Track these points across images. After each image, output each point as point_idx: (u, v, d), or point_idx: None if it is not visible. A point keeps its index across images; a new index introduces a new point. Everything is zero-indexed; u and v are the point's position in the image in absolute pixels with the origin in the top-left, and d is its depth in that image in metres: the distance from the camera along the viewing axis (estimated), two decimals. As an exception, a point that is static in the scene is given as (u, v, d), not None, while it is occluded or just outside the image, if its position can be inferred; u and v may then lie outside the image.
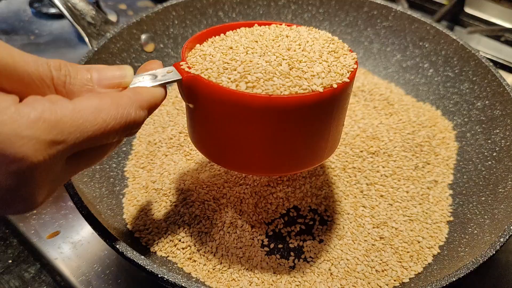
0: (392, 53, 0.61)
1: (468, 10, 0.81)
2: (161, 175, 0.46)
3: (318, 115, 0.33)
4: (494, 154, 0.47)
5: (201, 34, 0.38)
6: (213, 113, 0.33)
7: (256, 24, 0.40)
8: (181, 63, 0.33)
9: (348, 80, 0.33)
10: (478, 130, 0.50)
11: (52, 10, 0.78)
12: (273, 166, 0.36)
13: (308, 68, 0.32)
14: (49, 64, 0.25)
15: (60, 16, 0.78)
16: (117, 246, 0.34)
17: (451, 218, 0.45)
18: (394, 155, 0.49)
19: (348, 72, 0.34)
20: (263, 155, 0.35)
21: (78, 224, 0.47)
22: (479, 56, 0.51)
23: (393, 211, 0.45)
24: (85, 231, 0.47)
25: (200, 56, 0.35)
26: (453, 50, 0.55)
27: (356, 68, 0.35)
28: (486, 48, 0.76)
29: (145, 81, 0.30)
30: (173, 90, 0.58)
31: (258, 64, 0.32)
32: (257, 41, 0.35)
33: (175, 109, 0.55)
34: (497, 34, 0.77)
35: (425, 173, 0.48)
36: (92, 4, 0.54)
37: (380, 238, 0.43)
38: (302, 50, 0.34)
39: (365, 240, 0.43)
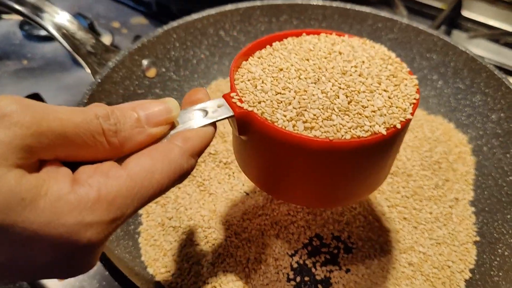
0: (399, 65, 0.60)
1: (465, 13, 0.80)
2: (177, 211, 0.44)
3: (378, 155, 0.32)
4: (515, 169, 0.46)
5: (246, 50, 0.35)
6: (268, 150, 0.32)
7: (304, 33, 0.38)
8: (231, 94, 0.31)
9: (411, 117, 0.31)
10: (495, 143, 0.50)
11: (44, 32, 0.75)
12: (326, 200, 0.36)
13: (368, 101, 0.30)
14: (97, 115, 0.23)
15: (52, 38, 0.76)
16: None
17: (478, 238, 0.44)
18: (414, 175, 0.48)
19: (410, 105, 0.31)
20: (317, 191, 0.34)
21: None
22: (491, 68, 0.51)
23: (418, 234, 0.44)
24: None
25: (249, 80, 0.32)
26: (463, 61, 0.54)
27: (419, 98, 0.32)
28: (485, 51, 0.75)
29: (195, 118, 0.28)
30: (179, 116, 0.56)
31: (313, 95, 0.30)
32: (308, 60, 0.33)
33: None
34: (498, 37, 0.77)
35: (446, 191, 0.47)
36: (91, 32, 0.52)
37: (409, 264, 0.42)
38: (359, 75, 0.32)
39: (393, 268, 0.42)
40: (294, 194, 0.35)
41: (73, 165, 0.23)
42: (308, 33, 0.38)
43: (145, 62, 0.55)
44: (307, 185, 0.33)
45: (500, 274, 0.38)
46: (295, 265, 0.42)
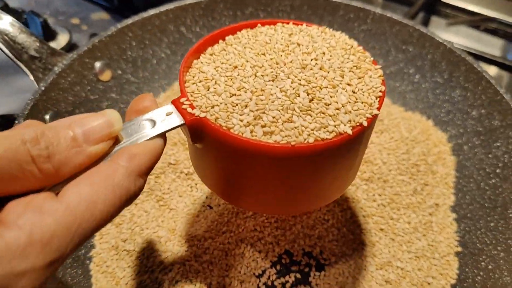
0: (374, 58, 0.56)
1: (444, -1, 0.76)
2: (132, 231, 0.40)
3: (345, 156, 0.29)
4: (498, 170, 0.43)
5: (197, 47, 0.32)
6: (225, 158, 0.29)
7: (259, 24, 0.34)
8: (181, 100, 0.27)
9: (377, 112, 0.28)
10: (476, 142, 0.46)
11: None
12: (292, 207, 0.33)
13: (331, 97, 0.27)
14: (24, 140, 0.20)
15: (3, 39, 0.70)
16: None
17: (460, 249, 0.41)
18: (390, 180, 0.44)
19: (376, 98, 0.29)
20: (281, 198, 0.31)
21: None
22: (470, 61, 0.47)
23: (396, 247, 0.40)
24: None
25: (201, 82, 0.29)
26: (440, 54, 0.50)
27: (384, 91, 0.29)
28: (465, 38, 0.72)
29: (142, 131, 0.25)
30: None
31: (272, 95, 0.27)
32: (264, 54, 0.30)
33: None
34: (478, 24, 0.74)
35: (425, 197, 0.44)
36: (34, 34, 0.47)
37: (386, 282, 0.38)
38: (320, 69, 0.29)
39: (369, 286, 0.38)
40: (257, 202, 0.32)
41: (1, 200, 0.20)
42: (263, 24, 0.34)
43: (97, 65, 0.50)
44: (269, 192, 0.31)
45: (484, 291, 0.35)
46: (263, 287, 0.39)
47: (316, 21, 0.57)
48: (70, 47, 0.67)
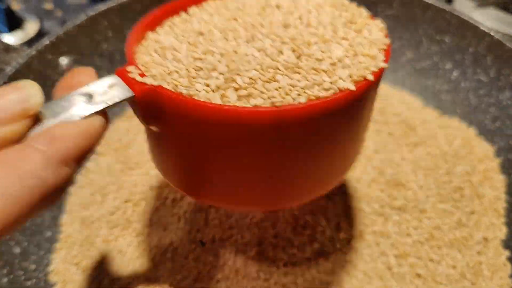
0: (401, 50, 0.47)
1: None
2: (102, 282, 0.32)
3: (347, 121, 0.23)
4: None
5: (153, 18, 0.26)
6: (189, 138, 0.22)
7: None
8: (128, 68, 0.21)
9: (385, 65, 0.23)
10: (534, 159, 0.37)
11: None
12: (279, 196, 0.26)
13: (323, 53, 0.22)
14: None
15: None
16: None
17: (518, 300, 0.32)
18: (429, 210, 0.35)
19: (381, 50, 0.23)
20: (266, 184, 0.24)
21: None
22: (528, 57, 0.38)
23: (438, 299, 0.32)
24: None
25: (156, 51, 0.23)
26: (486, 46, 0.41)
27: (389, 44, 0.24)
28: (496, 21, 0.62)
29: (73, 108, 0.19)
30: (114, 131, 0.43)
31: (247, 55, 0.22)
32: (236, 19, 0.25)
33: (118, 162, 0.40)
34: (510, 4, 0.64)
35: (471, 229, 0.35)
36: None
37: None
38: (307, 26, 0.24)
39: None
40: (234, 193, 0.25)
41: None
42: None
43: (64, 61, 0.41)
44: (251, 178, 0.24)
45: None
46: None
47: (331, 5, 0.48)
48: (41, 37, 0.58)
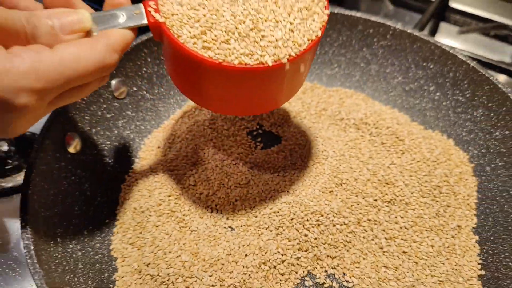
0: (393, 74, 0.56)
1: (453, 4, 0.76)
2: (155, 255, 0.40)
3: (264, 81, 0.35)
4: (523, 194, 0.43)
5: None
6: (174, 59, 0.35)
7: None
8: (149, 3, 0.33)
9: (301, 52, 0.33)
10: (499, 163, 0.46)
11: None
12: (231, 109, 0.40)
13: (270, 31, 0.33)
14: (21, 19, 0.28)
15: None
16: None
17: (483, 272, 0.41)
18: (413, 202, 0.44)
19: (308, 40, 0.34)
20: (221, 102, 0.38)
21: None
22: (494, 81, 0.47)
23: (419, 270, 0.40)
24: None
25: None
26: (463, 72, 0.50)
27: (320, 36, 0.35)
28: (474, 45, 0.71)
29: (114, 21, 0.32)
30: (154, 139, 0.52)
31: (222, 17, 0.32)
32: None
33: (160, 165, 0.48)
34: (489, 31, 0.73)
35: (447, 219, 0.44)
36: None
37: (411, 308, 0.38)
38: (274, 3, 0.33)
39: (394, 312, 0.38)
40: (207, 101, 0.38)
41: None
42: None
43: (113, 82, 0.50)
44: (212, 94, 0.37)
45: (511, 320, 0.35)
46: (287, 312, 0.38)
47: (334, 36, 0.57)
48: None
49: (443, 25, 0.76)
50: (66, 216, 0.41)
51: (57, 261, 0.36)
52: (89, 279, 0.38)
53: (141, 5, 0.33)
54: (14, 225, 0.48)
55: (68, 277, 0.36)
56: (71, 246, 0.39)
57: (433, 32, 0.76)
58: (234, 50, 0.32)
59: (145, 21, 0.33)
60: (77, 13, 0.30)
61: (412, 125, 0.52)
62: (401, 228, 0.43)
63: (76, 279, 0.37)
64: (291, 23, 0.33)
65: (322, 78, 0.58)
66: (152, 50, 0.53)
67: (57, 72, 0.27)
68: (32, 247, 0.34)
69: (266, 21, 0.33)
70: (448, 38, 0.74)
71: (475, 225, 0.44)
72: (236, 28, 0.32)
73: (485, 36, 0.74)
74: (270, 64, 0.32)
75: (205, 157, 0.48)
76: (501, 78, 0.65)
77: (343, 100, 0.55)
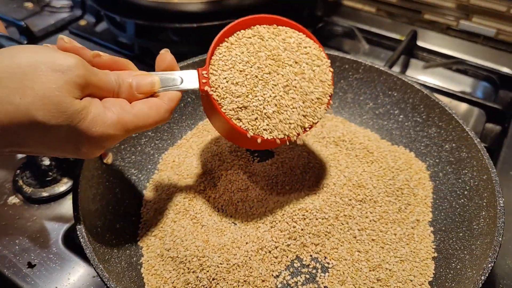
0: (365, 101, 0.67)
1: (420, 43, 0.89)
2: (174, 243, 0.50)
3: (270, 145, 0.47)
4: (465, 192, 0.53)
5: (224, 34, 0.47)
6: (214, 117, 0.47)
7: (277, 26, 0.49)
8: (203, 72, 0.44)
9: (305, 131, 0.48)
10: (449, 170, 0.57)
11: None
12: (243, 146, 0.57)
13: (288, 115, 0.46)
14: (112, 79, 0.38)
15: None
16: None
17: (435, 254, 0.51)
18: (380, 201, 0.55)
19: (312, 123, 0.48)
20: (242, 144, 0.51)
21: None
22: (442, 105, 0.58)
23: (385, 253, 0.51)
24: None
25: (223, 60, 0.45)
26: (419, 98, 0.62)
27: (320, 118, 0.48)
28: (439, 77, 0.84)
29: (174, 83, 0.42)
30: (169, 155, 0.63)
31: (255, 97, 0.44)
32: (270, 64, 0.46)
33: (175, 174, 0.59)
34: (450, 66, 0.86)
35: (408, 214, 0.55)
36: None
37: (377, 280, 0.48)
38: (295, 90, 0.46)
39: (364, 283, 0.48)
40: (232, 140, 0.51)
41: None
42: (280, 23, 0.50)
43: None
44: (237, 141, 0.50)
45: (453, 285, 0.45)
46: (280, 285, 0.48)
47: (317, 71, 0.69)
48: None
49: (413, 61, 0.90)
50: (103, 213, 0.51)
51: (98, 244, 0.47)
52: (122, 261, 0.48)
53: (196, 72, 0.43)
54: (52, 226, 0.58)
55: (107, 257, 0.46)
56: (107, 235, 0.50)
57: (405, 67, 0.89)
58: (259, 125, 0.44)
59: (197, 86, 0.43)
60: (151, 76, 0.40)
61: (381, 142, 0.64)
62: (370, 221, 0.53)
63: (113, 259, 0.47)
64: (304, 111, 0.46)
65: (307, 105, 0.70)
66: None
67: (133, 124, 0.38)
68: (83, 231, 0.44)
69: (286, 106, 0.45)
70: (416, 72, 0.87)
71: (430, 219, 0.55)
72: (264, 109, 0.44)
73: (449, 70, 0.87)
74: (279, 142, 0.45)
75: (212, 168, 0.59)
76: (463, 106, 0.77)
77: (324, 123, 0.66)
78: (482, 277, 0.41)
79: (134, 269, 0.49)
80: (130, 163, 0.59)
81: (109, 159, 0.56)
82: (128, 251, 0.50)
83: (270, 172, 0.59)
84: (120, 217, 0.53)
